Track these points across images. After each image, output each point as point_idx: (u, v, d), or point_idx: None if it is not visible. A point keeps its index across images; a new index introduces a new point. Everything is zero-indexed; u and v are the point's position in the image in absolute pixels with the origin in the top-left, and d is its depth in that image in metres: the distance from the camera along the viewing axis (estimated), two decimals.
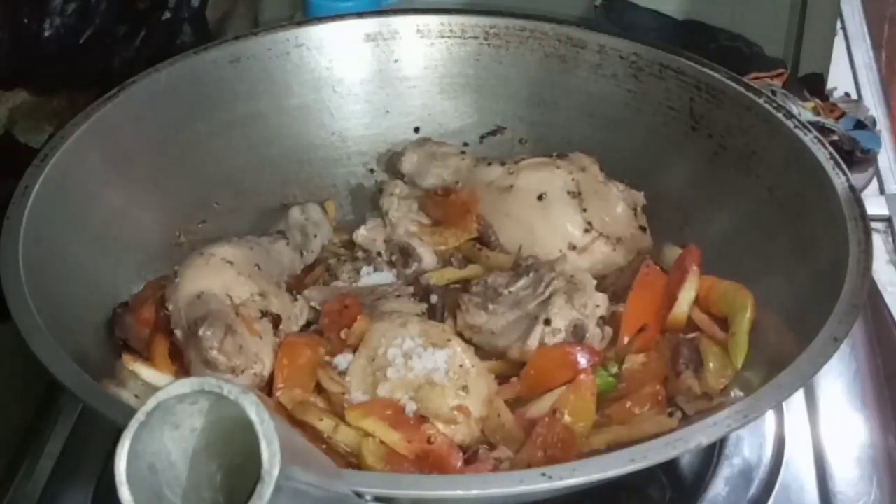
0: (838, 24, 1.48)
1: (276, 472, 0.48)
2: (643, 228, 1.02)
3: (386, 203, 1.07)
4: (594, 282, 0.93)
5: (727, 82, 1.02)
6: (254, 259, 0.95)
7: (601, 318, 0.91)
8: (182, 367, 0.89)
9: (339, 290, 0.98)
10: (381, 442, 0.79)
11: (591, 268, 0.98)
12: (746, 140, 1.00)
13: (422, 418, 0.81)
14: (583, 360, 0.85)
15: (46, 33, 1.21)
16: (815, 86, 1.33)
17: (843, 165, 0.90)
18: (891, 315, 1.08)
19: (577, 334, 0.89)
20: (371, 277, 1.02)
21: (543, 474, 0.66)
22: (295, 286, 1.00)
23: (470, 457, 0.80)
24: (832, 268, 0.82)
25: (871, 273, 0.81)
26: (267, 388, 0.87)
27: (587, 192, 1.00)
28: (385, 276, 1.02)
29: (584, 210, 1.00)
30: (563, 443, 0.79)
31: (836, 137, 1.20)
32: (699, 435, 0.69)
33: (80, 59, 1.24)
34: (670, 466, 0.89)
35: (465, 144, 1.14)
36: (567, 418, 0.81)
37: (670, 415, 0.82)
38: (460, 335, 0.91)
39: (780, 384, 0.73)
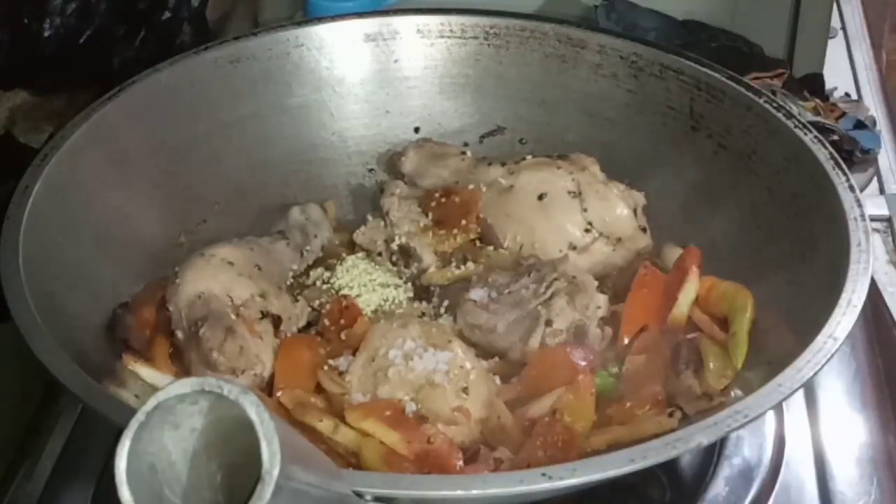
0: (839, 25, 1.49)
1: (276, 472, 0.48)
2: (643, 229, 1.02)
3: (386, 203, 1.07)
4: (595, 283, 0.93)
5: (727, 82, 1.02)
6: (254, 259, 0.95)
7: (602, 318, 0.91)
8: (182, 368, 0.89)
9: None
10: (381, 442, 0.78)
11: (592, 268, 0.98)
12: (746, 140, 0.99)
13: (422, 419, 0.81)
14: (583, 361, 0.85)
15: (46, 33, 1.21)
16: (814, 86, 1.33)
17: (843, 165, 0.90)
18: (891, 315, 1.08)
19: (579, 335, 0.89)
20: None
21: (543, 474, 0.66)
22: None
23: (470, 457, 0.80)
24: (832, 268, 0.82)
25: (871, 273, 0.81)
26: (267, 388, 0.87)
27: (587, 193, 1.00)
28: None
29: (585, 210, 1.00)
30: (563, 443, 0.79)
31: (836, 137, 1.20)
32: (699, 435, 0.69)
33: (80, 59, 1.24)
34: (670, 466, 0.89)
35: (465, 144, 1.14)
36: (567, 418, 0.81)
37: (670, 415, 0.82)
38: (460, 335, 0.91)
39: (780, 384, 0.73)
